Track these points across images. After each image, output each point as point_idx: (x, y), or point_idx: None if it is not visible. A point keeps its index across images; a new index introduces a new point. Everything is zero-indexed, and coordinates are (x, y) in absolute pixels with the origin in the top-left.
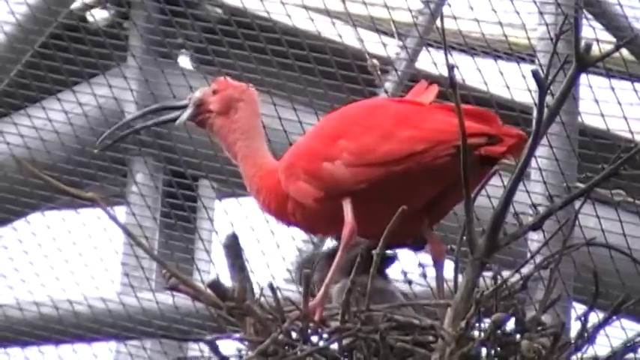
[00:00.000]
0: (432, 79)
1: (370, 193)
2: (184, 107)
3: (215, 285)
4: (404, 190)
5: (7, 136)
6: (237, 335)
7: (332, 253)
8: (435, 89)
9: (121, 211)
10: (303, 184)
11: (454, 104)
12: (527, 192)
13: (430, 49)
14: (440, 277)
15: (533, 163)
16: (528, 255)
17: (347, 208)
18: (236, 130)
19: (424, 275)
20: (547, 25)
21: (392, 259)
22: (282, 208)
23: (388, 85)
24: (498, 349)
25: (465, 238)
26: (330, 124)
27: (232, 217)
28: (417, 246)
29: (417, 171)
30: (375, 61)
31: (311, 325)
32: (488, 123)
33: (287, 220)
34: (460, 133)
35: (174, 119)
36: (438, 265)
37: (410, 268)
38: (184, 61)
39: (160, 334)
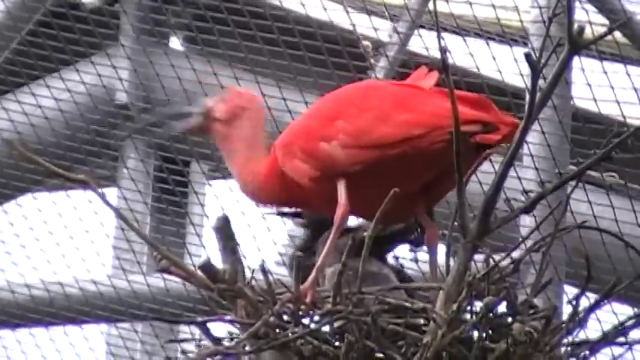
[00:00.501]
0: (423, 62)
1: (365, 174)
2: (192, 113)
3: (206, 267)
4: (399, 173)
5: None
6: (229, 317)
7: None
8: (435, 75)
9: (112, 196)
10: (300, 163)
11: (448, 88)
12: (519, 178)
13: (422, 31)
14: (433, 261)
15: (524, 148)
16: (520, 239)
17: (341, 189)
18: (240, 140)
19: (415, 259)
20: (540, 7)
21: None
22: (278, 192)
23: (380, 68)
24: (490, 332)
25: (457, 222)
26: (329, 104)
27: (223, 201)
28: (416, 242)
29: (412, 155)
30: (367, 42)
31: (302, 307)
32: (484, 110)
33: (284, 204)
34: (453, 117)
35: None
36: (432, 249)
37: (401, 252)
38: (175, 45)
39: (151, 317)
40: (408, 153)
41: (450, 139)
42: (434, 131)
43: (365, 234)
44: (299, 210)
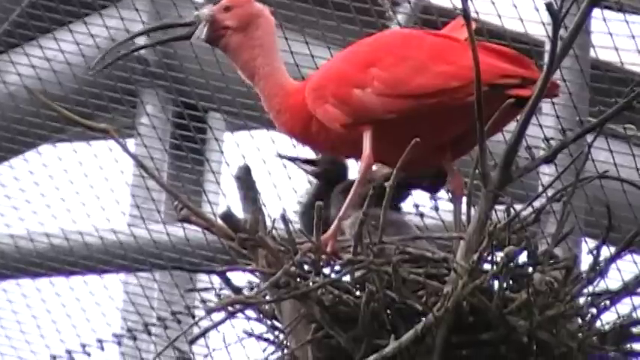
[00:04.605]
0: (445, 11)
1: (397, 124)
2: (191, 24)
3: (227, 216)
4: (432, 124)
5: (19, 67)
6: (249, 267)
7: (347, 188)
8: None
9: (131, 143)
10: (331, 108)
11: (475, 38)
12: (540, 125)
13: None
14: (458, 211)
15: None
16: (540, 188)
17: (366, 140)
18: (255, 47)
19: (436, 208)
20: None
21: (406, 194)
22: (307, 130)
23: (400, 17)
24: (511, 282)
25: (478, 170)
26: (364, 49)
27: (243, 149)
28: (434, 188)
29: (447, 107)
30: None
31: (323, 257)
32: (524, 67)
33: (311, 142)
34: (474, 65)
35: (187, 37)
36: (457, 198)
37: (422, 201)
38: None
39: (171, 266)
40: (444, 104)
41: (485, 92)
42: (471, 84)
43: (386, 183)
44: (313, 158)
